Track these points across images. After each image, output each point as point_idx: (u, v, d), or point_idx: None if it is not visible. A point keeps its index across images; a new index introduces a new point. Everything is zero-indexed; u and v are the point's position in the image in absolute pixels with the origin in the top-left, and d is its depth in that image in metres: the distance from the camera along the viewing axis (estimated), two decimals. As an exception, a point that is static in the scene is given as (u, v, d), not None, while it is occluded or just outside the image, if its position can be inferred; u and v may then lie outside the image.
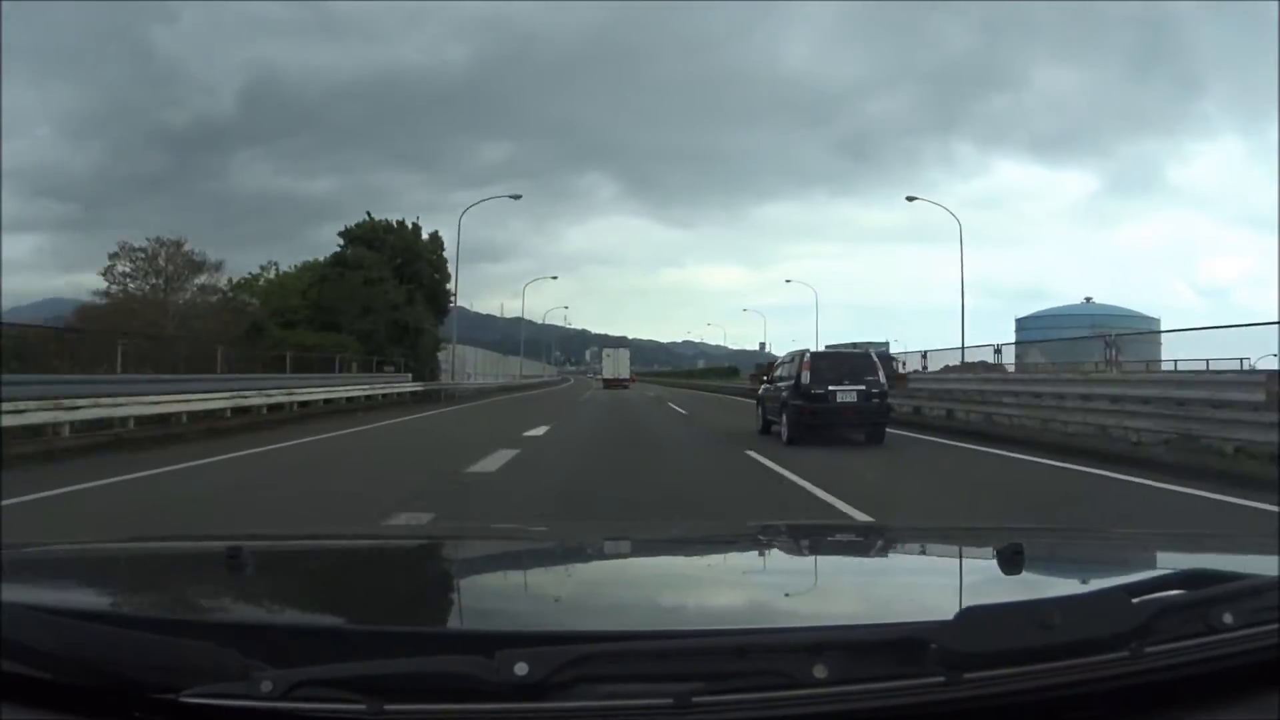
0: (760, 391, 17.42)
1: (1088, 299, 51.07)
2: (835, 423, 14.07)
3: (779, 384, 15.32)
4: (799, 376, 14.17)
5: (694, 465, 11.51)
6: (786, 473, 10.05)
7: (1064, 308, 51.35)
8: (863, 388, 14.03)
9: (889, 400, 14.65)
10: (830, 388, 13.97)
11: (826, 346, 26.69)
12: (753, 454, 12.18)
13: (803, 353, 15.32)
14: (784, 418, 14.34)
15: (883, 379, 14.51)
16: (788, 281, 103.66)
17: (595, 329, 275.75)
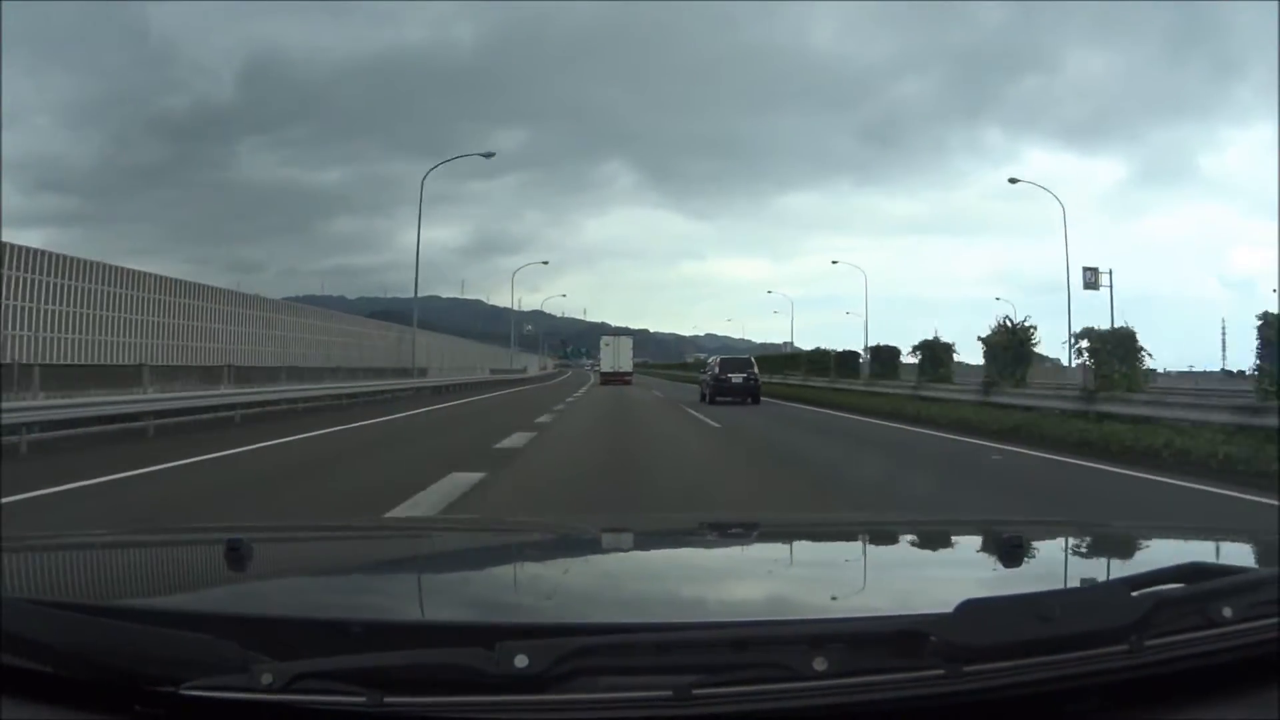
0: (699, 379, 32.18)
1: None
2: (731, 392, 27.16)
3: (706, 373, 30.09)
4: (714, 370, 28.73)
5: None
6: (695, 412, 22.05)
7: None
8: (745, 375, 27.62)
9: (759, 380, 28.36)
10: (729, 375, 27.73)
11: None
12: (687, 408, 24.09)
13: (718, 358, 30.84)
14: (707, 390, 28.12)
15: (755, 370, 28.25)
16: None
17: (615, 322, 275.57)
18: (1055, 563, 1.61)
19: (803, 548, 1.94)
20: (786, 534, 2.15)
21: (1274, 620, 0.94)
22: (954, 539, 2.03)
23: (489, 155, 37.89)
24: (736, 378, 27.25)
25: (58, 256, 17.06)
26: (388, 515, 6.07)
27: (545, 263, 60.80)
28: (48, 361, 15.77)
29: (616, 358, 55.68)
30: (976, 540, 1.94)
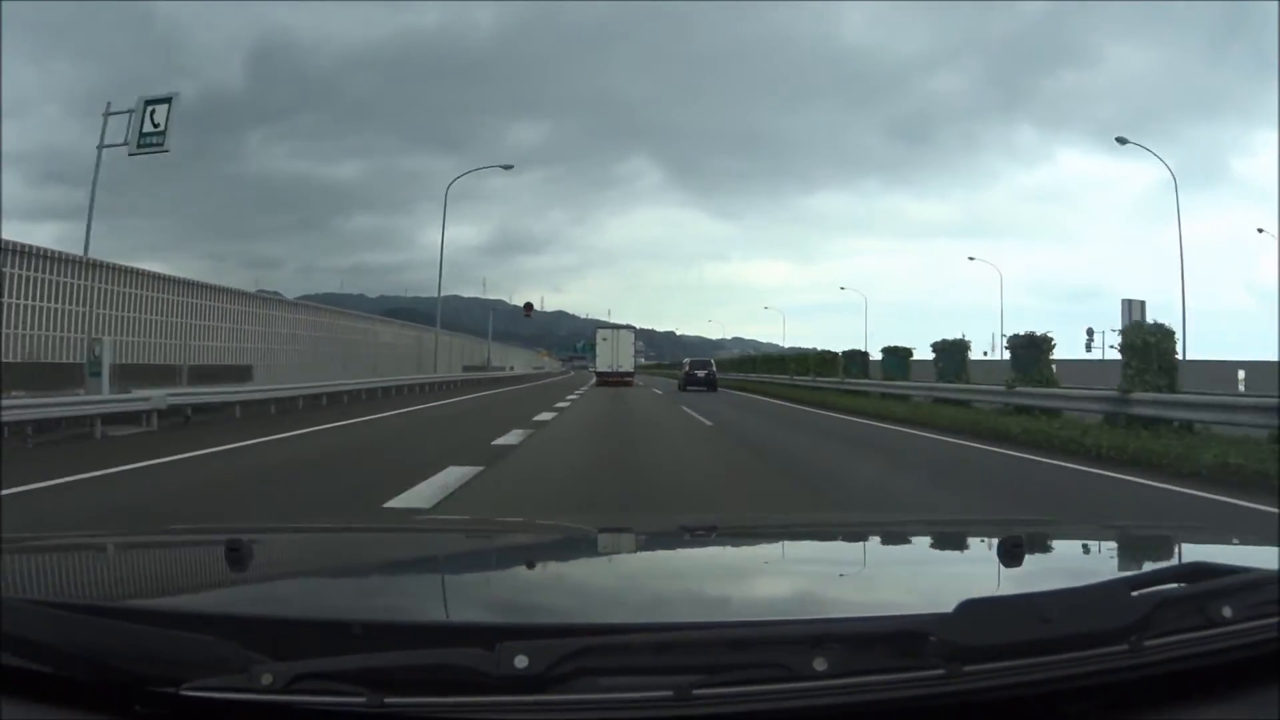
0: (677, 375, 45.48)
1: None
2: (697, 383, 39.23)
3: (681, 371, 44.12)
4: (686, 369, 42.83)
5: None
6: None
7: None
8: (706, 372, 41.03)
9: (716, 375, 42.15)
10: (696, 371, 41.08)
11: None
12: (665, 394, 33.09)
13: (689, 360, 46.52)
14: (681, 382, 41.31)
15: (714, 369, 42.94)
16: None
17: (641, 324, 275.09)
18: (1055, 562, 1.61)
19: (802, 548, 1.94)
20: (787, 534, 2.15)
21: (1274, 620, 0.94)
22: (954, 539, 2.03)
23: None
24: (700, 373, 40.71)
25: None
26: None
27: (510, 166, 44.25)
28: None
29: (615, 354, 47.06)
30: (976, 540, 1.94)
